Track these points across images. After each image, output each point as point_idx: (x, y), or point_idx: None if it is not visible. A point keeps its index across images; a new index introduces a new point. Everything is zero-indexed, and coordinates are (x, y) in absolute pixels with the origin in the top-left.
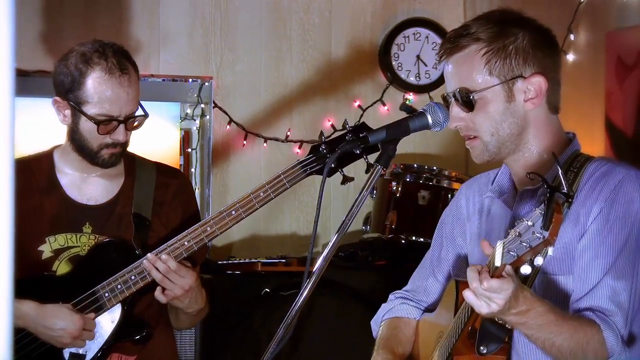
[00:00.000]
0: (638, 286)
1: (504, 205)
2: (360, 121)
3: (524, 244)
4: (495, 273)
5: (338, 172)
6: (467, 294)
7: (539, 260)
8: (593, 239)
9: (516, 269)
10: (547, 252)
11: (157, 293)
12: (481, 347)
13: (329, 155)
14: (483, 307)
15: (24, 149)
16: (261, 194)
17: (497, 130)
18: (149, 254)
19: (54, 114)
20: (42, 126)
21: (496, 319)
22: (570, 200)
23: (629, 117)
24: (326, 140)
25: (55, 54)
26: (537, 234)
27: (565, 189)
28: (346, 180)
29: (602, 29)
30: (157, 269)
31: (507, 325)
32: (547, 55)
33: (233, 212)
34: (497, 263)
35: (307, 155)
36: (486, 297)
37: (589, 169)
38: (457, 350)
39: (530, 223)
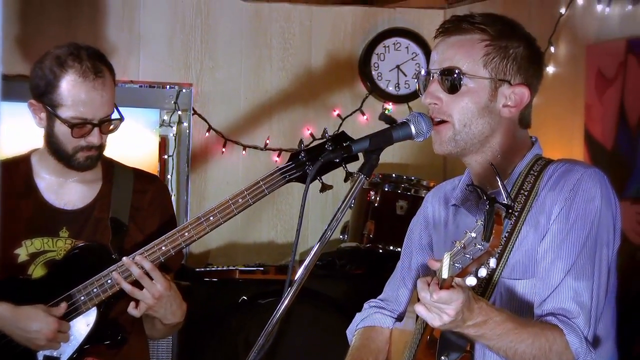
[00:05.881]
0: (601, 284)
1: (468, 213)
2: (340, 130)
3: (468, 255)
4: (443, 285)
5: (317, 180)
6: (419, 308)
7: (482, 272)
8: (554, 240)
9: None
10: (489, 264)
11: (130, 308)
12: (442, 357)
13: (308, 162)
14: (435, 320)
15: (4, 153)
16: (239, 200)
17: (470, 123)
18: (124, 258)
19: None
20: (22, 131)
21: None
22: (510, 211)
23: (608, 130)
24: (305, 147)
25: (34, 59)
26: (479, 246)
27: (506, 200)
28: (325, 188)
29: (582, 41)
30: (129, 276)
31: None
32: (534, 75)
33: (211, 218)
34: (444, 275)
35: (287, 163)
36: (437, 309)
37: (548, 171)
38: None
39: (473, 235)
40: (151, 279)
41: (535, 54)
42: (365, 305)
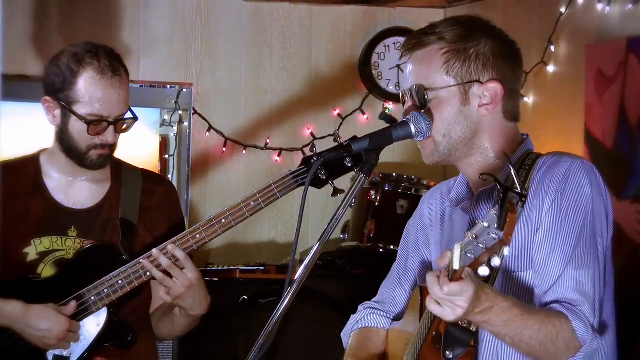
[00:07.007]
0: (601, 272)
1: (463, 212)
2: (340, 129)
3: (481, 245)
4: (454, 276)
5: (329, 184)
6: (431, 305)
7: (495, 261)
8: (549, 231)
9: (475, 271)
10: (503, 252)
11: (162, 293)
12: (447, 352)
13: (321, 167)
14: (449, 314)
15: (4, 154)
16: (252, 203)
17: (449, 132)
18: (153, 250)
19: (34, 119)
20: (22, 131)
21: (460, 321)
22: (524, 199)
23: (608, 129)
24: (317, 152)
25: (35, 59)
26: (493, 235)
27: (519, 188)
28: (337, 192)
29: (582, 41)
30: (159, 265)
31: (471, 328)
32: (508, 65)
33: (223, 220)
34: (456, 266)
35: (299, 166)
36: (449, 302)
37: (538, 165)
38: (423, 356)
39: (486, 224)
40: (181, 268)
41: (503, 46)
42: (360, 307)
